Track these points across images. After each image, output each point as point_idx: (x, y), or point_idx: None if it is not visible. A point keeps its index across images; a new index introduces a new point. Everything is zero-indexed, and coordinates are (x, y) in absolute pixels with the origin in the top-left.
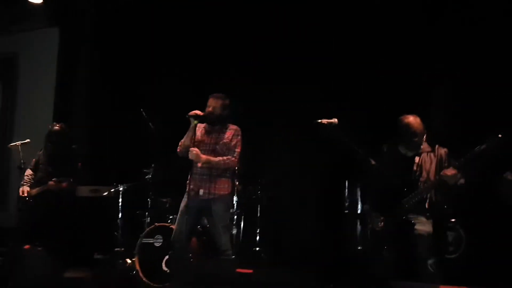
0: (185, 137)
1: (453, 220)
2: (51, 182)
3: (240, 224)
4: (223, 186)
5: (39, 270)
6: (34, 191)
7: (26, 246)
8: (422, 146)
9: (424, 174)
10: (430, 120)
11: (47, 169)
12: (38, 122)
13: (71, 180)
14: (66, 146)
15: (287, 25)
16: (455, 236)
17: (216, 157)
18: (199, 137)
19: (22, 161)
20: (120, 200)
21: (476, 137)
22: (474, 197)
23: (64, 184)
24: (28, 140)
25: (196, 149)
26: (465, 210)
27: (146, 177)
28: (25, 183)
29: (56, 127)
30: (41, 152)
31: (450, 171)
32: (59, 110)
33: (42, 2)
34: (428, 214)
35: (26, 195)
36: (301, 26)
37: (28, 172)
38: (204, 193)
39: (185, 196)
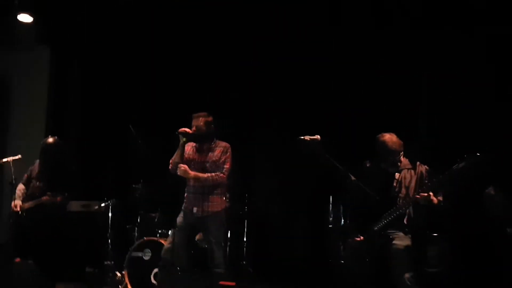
0: (175, 154)
1: (435, 234)
2: (45, 197)
3: (227, 239)
4: (215, 203)
5: (30, 284)
6: (27, 205)
7: (17, 260)
8: (402, 163)
9: (404, 190)
10: (412, 137)
11: (39, 184)
12: (30, 138)
13: (66, 194)
14: (60, 159)
15: (269, 42)
16: (437, 249)
17: (205, 174)
18: (190, 156)
19: (13, 176)
20: (110, 214)
21: (457, 153)
22: (457, 211)
23: (58, 199)
24: (19, 156)
25: (184, 165)
26: (446, 224)
27: (135, 192)
28: (17, 198)
29: (50, 140)
30: (32, 167)
31: (421, 194)
32: (51, 127)
33: (32, 22)
34: (406, 229)
35: (18, 209)
36: (282, 43)
37: (20, 186)
38: (197, 211)
39: (181, 212)
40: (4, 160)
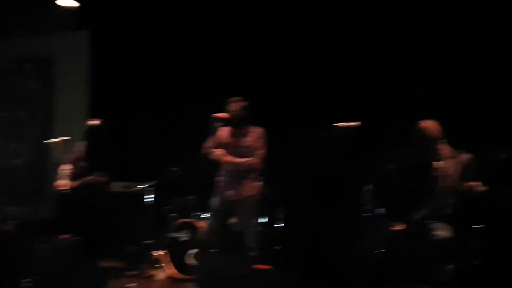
0: (211, 139)
1: (477, 226)
2: (90, 177)
3: (261, 223)
4: (249, 187)
5: (75, 259)
6: (73, 184)
7: (63, 236)
8: (443, 151)
9: (445, 179)
10: (453, 124)
11: (84, 164)
12: (73, 119)
13: (109, 174)
14: (104, 140)
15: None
16: (479, 241)
17: (240, 159)
18: (224, 140)
19: (59, 157)
20: (150, 196)
21: (502, 143)
22: (500, 203)
23: (101, 179)
24: (66, 137)
25: (219, 150)
26: (489, 215)
27: (174, 175)
28: (63, 177)
29: (95, 122)
30: (77, 148)
31: (465, 184)
32: (93, 108)
33: (73, 6)
34: (448, 220)
35: (64, 188)
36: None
37: (65, 167)
38: (231, 195)
39: (216, 196)
40: (52, 141)
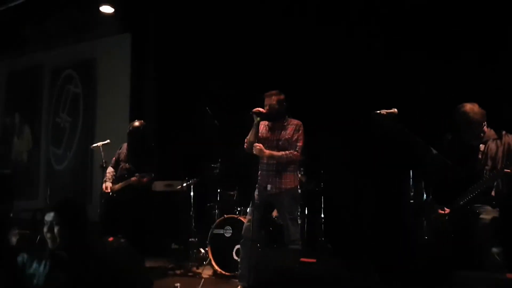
0: (250, 134)
1: None
2: (133, 178)
3: (305, 215)
4: (289, 180)
5: (123, 260)
6: (117, 186)
7: (110, 238)
8: (486, 133)
9: (490, 162)
10: (497, 106)
11: (127, 166)
12: (116, 123)
13: (152, 175)
14: (146, 142)
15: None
16: None
17: (279, 152)
18: (263, 135)
19: (103, 160)
20: (192, 193)
21: None
22: None
23: (145, 179)
24: (108, 140)
25: (259, 144)
26: None
27: (214, 171)
28: (107, 180)
29: (137, 124)
30: (120, 150)
31: (508, 169)
32: (134, 111)
33: (113, 12)
34: (494, 202)
35: (109, 190)
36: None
37: (110, 169)
38: (271, 188)
39: (256, 190)
40: (95, 145)
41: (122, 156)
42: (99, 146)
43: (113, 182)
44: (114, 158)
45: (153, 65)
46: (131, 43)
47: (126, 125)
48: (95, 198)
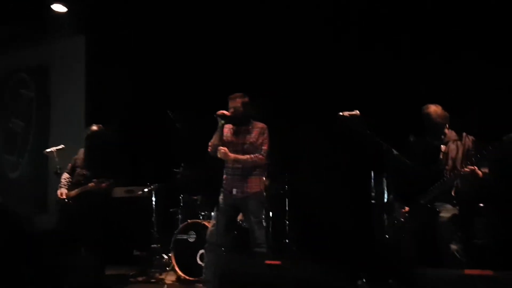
0: (214, 137)
1: (481, 205)
2: (91, 184)
3: (269, 218)
4: (254, 184)
5: (81, 269)
6: (73, 192)
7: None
8: (447, 135)
9: (450, 162)
10: (457, 108)
11: (84, 172)
12: (71, 128)
13: (111, 181)
14: (104, 146)
15: (301, 17)
16: (483, 221)
17: (244, 155)
18: (228, 138)
19: (58, 166)
20: (154, 199)
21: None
22: (504, 183)
23: (103, 185)
24: (63, 145)
25: (224, 148)
26: (494, 196)
27: (177, 176)
28: (62, 186)
29: (95, 128)
30: (76, 156)
31: (467, 168)
32: (91, 115)
33: (66, 11)
34: (454, 201)
35: (64, 197)
36: (315, 17)
37: (65, 175)
38: (237, 192)
39: (221, 194)
40: (48, 150)
41: (79, 162)
42: (53, 151)
43: (69, 189)
44: (70, 164)
45: (109, 68)
46: (85, 45)
47: (82, 130)
48: (51, 206)
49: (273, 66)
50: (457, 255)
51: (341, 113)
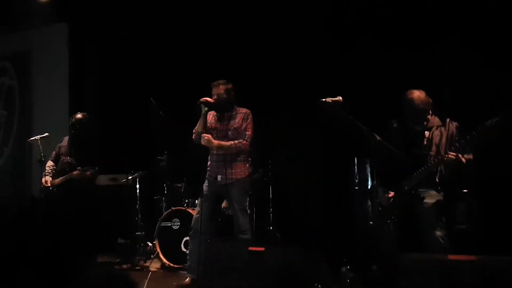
0: (198, 124)
1: (464, 190)
2: (76, 172)
3: (253, 205)
4: (239, 170)
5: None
6: (58, 180)
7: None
8: (431, 121)
9: (434, 148)
10: (440, 93)
11: (69, 159)
12: (54, 116)
13: (96, 168)
14: (89, 134)
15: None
16: (466, 206)
17: (228, 142)
18: (212, 125)
19: (42, 154)
20: (138, 187)
21: (489, 109)
22: (486, 168)
23: (88, 173)
24: (47, 134)
25: (207, 135)
26: (478, 181)
27: (161, 163)
28: (47, 174)
29: (79, 116)
30: (60, 144)
31: (450, 154)
32: (74, 103)
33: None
34: (438, 187)
35: (49, 184)
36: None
37: (49, 163)
38: (221, 178)
39: (206, 181)
40: (32, 138)
41: (63, 150)
42: (37, 139)
43: (53, 177)
44: (54, 152)
45: (92, 56)
46: (68, 33)
47: (65, 118)
48: (35, 194)
49: (255, 54)
50: (441, 240)
51: (323, 99)
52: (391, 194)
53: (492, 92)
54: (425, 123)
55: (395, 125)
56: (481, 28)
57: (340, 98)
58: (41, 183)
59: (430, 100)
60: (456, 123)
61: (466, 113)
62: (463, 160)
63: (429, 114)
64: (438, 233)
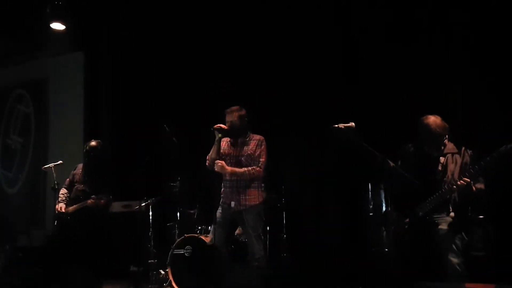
0: (211, 150)
1: (480, 217)
2: (90, 200)
3: (267, 231)
4: (252, 197)
5: (79, 285)
6: (72, 208)
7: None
8: (447, 147)
9: (449, 174)
10: (456, 120)
11: (83, 187)
12: (69, 143)
13: (110, 197)
14: (103, 162)
15: (294, 29)
16: (483, 233)
17: (242, 168)
18: (226, 151)
19: (55, 182)
20: (151, 213)
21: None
22: (503, 194)
23: (102, 202)
24: (61, 161)
25: (221, 161)
26: (495, 207)
27: (174, 190)
28: (61, 201)
29: (94, 143)
30: (74, 171)
31: (462, 181)
32: (88, 131)
33: (65, 29)
34: (453, 213)
35: (63, 210)
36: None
37: (63, 190)
38: (235, 205)
39: (219, 207)
40: (47, 166)
41: (77, 177)
42: (51, 167)
43: (67, 204)
44: (68, 179)
45: (108, 84)
46: (84, 61)
47: (79, 146)
48: (48, 222)
49: (269, 79)
50: (458, 268)
51: (336, 125)
52: (408, 219)
53: (506, 118)
54: (442, 147)
55: (411, 150)
56: (497, 55)
57: (353, 124)
58: (55, 209)
59: (446, 125)
60: (471, 151)
61: (480, 139)
62: (473, 189)
63: (445, 138)
64: (454, 260)
